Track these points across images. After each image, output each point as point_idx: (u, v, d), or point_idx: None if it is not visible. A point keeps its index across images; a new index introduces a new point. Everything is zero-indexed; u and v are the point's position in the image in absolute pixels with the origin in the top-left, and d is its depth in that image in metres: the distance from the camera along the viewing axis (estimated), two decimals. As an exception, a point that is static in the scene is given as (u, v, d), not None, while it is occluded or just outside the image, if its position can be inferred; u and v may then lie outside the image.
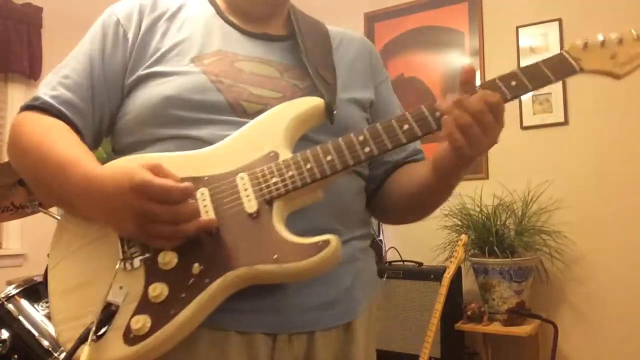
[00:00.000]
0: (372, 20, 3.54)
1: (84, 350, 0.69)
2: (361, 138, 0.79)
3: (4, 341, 1.91)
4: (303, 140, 0.84)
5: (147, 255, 0.75)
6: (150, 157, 0.82)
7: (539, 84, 0.81)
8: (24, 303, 2.03)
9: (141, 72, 0.88)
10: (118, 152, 0.91)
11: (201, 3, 0.99)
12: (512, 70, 0.82)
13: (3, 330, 1.94)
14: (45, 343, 1.93)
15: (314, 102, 0.85)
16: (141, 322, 0.71)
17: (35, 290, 2.08)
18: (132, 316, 0.72)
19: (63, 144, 0.81)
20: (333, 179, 0.80)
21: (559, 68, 0.82)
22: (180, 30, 0.92)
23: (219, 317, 0.75)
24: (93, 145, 0.91)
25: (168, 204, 0.71)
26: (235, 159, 0.80)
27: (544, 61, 0.82)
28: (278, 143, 0.80)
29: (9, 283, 2.11)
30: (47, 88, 0.89)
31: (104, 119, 0.91)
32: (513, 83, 0.81)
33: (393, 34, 3.45)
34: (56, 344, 1.92)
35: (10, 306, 1.99)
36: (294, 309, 0.81)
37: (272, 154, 0.80)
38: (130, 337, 0.71)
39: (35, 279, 2.13)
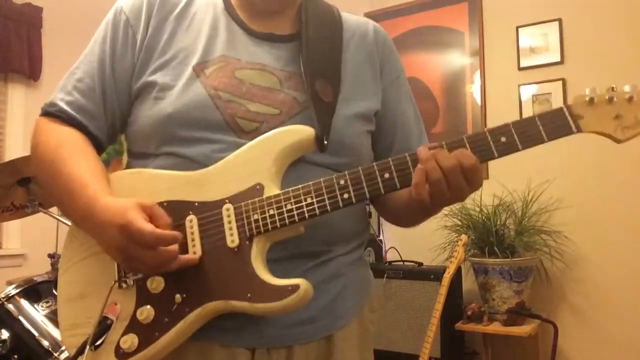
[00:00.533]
0: (372, 20, 3.54)
1: None
2: (342, 182, 0.80)
3: (4, 341, 1.91)
4: (298, 160, 0.86)
5: (139, 275, 0.82)
6: (149, 173, 0.87)
7: (530, 143, 0.77)
8: (24, 303, 2.03)
9: (146, 78, 0.90)
10: (131, 155, 0.95)
11: None
12: (506, 124, 0.78)
13: (3, 330, 1.94)
14: (45, 343, 1.93)
15: (305, 133, 0.84)
16: (129, 342, 0.79)
17: (35, 290, 2.08)
18: (123, 334, 0.80)
19: (74, 162, 0.86)
20: (312, 220, 0.81)
21: (555, 127, 0.77)
22: (187, 31, 0.93)
23: (204, 330, 0.81)
24: (108, 143, 0.97)
25: (147, 248, 0.76)
26: (224, 188, 0.83)
27: (541, 116, 0.78)
28: (265, 175, 0.82)
29: (9, 283, 2.11)
30: (63, 92, 0.92)
31: (115, 119, 0.94)
32: (503, 139, 0.78)
33: (393, 34, 3.45)
34: (56, 344, 1.92)
35: (10, 306, 1.99)
36: (272, 326, 0.84)
37: (258, 187, 0.82)
38: (120, 353, 0.80)
39: (35, 279, 2.13)
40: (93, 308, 0.83)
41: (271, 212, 0.80)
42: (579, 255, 2.82)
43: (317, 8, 1.00)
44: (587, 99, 0.77)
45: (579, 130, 0.76)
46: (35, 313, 2.01)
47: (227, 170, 0.84)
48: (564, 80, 2.90)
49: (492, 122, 3.09)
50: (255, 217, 0.80)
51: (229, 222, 0.81)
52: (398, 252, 3.17)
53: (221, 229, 0.81)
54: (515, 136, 0.77)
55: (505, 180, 2.94)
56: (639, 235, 2.70)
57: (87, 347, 0.78)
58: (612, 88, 0.77)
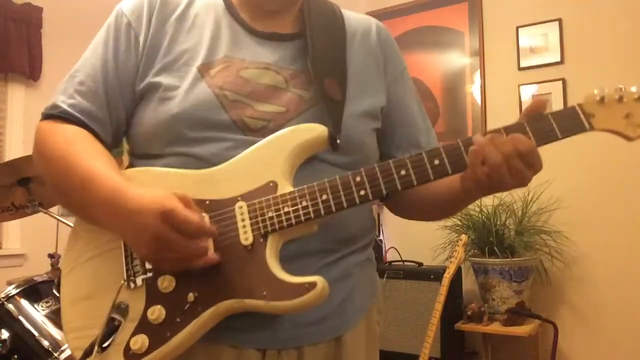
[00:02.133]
0: (372, 20, 3.54)
1: None
2: (358, 179, 0.80)
3: (4, 341, 1.91)
4: (308, 158, 0.85)
5: (148, 275, 0.80)
6: (157, 172, 0.85)
7: (544, 141, 0.78)
8: (24, 303, 2.02)
9: (150, 79, 0.89)
10: (135, 157, 0.93)
11: None
12: (520, 122, 0.79)
13: (3, 330, 1.94)
14: (45, 343, 1.93)
15: (317, 131, 0.84)
16: (139, 342, 0.77)
17: (35, 290, 2.08)
18: (132, 335, 0.78)
19: (89, 157, 0.84)
20: (328, 217, 0.81)
21: (568, 125, 0.78)
22: (189, 32, 0.92)
23: (213, 332, 0.80)
24: (113, 147, 0.94)
25: (186, 237, 0.74)
26: (236, 186, 0.82)
27: (554, 114, 0.79)
28: (278, 172, 0.82)
29: (9, 283, 2.11)
30: (65, 96, 0.89)
31: (120, 122, 0.92)
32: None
33: (393, 34, 3.43)
34: (56, 344, 1.92)
35: (10, 306, 1.99)
36: (283, 326, 0.83)
37: (271, 184, 0.81)
38: (130, 354, 0.77)
39: (35, 279, 2.13)
40: (100, 309, 0.80)
41: (286, 209, 0.79)
42: (579, 255, 2.82)
43: (319, 6, 0.99)
44: (598, 98, 0.78)
45: (592, 128, 0.78)
46: (35, 313, 2.00)
47: (239, 168, 0.83)
48: (564, 80, 2.90)
49: (492, 122, 3.09)
50: (270, 214, 0.79)
51: (243, 220, 0.80)
52: (398, 252, 3.17)
53: (234, 226, 0.80)
54: (531, 134, 0.77)
55: (505, 180, 2.93)
56: (639, 235, 2.70)
57: (95, 348, 0.76)
58: (621, 88, 0.78)
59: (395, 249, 3.19)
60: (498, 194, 2.87)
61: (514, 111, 2.99)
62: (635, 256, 2.70)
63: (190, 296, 0.78)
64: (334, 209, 0.79)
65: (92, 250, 0.85)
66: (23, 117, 3.17)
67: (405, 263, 3.05)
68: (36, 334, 1.94)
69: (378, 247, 3.15)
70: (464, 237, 2.47)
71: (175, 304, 0.78)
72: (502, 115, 3.01)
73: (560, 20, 2.95)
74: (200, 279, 0.78)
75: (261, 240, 0.79)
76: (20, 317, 1.98)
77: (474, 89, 3.20)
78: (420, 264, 2.94)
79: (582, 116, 0.78)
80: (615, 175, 2.76)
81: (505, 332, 2.60)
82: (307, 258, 0.80)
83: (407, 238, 3.17)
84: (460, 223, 2.86)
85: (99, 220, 0.83)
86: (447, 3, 3.30)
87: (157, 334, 0.77)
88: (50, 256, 2.46)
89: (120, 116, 0.91)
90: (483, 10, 3.19)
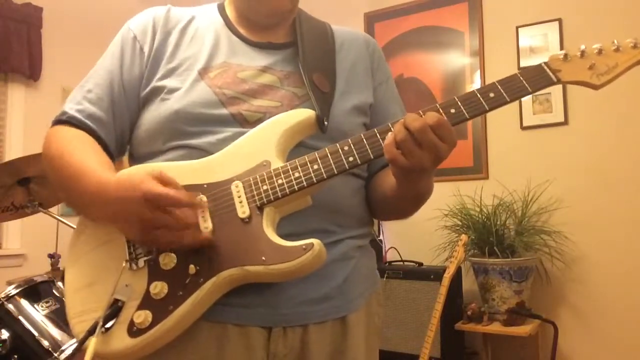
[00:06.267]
0: (372, 20, 3.54)
1: (91, 341, 0.78)
2: (346, 148, 0.85)
3: (4, 341, 1.91)
4: (300, 146, 0.90)
5: (150, 256, 0.83)
6: (155, 165, 0.88)
7: (516, 95, 0.84)
8: (24, 303, 2.02)
9: (154, 83, 0.95)
10: (135, 159, 0.98)
11: (211, 13, 1.05)
12: (491, 82, 0.85)
13: (3, 330, 1.94)
14: (45, 343, 1.93)
15: (306, 114, 0.90)
16: (142, 316, 0.79)
17: (35, 290, 2.08)
18: (136, 311, 0.80)
19: (82, 153, 0.89)
20: (320, 186, 0.85)
21: (536, 79, 0.84)
22: (191, 42, 0.99)
23: (218, 310, 0.83)
24: (118, 154, 0.99)
25: (169, 212, 0.77)
26: (232, 168, 0.86)
27: (522, 72, 0.85)
28: (270, 153, 0.87)
29: (9, 283, 2.11)
30: (73, 103, 0.96)
31: (125, 128, 0.98)
32: (491, 95, 0.84)
33: (393, 34, 3.45)
34: (56, 344, 1.92)
35: (10, 306, 1.99)
36: (287, 304, 0.86)
37: (264, 163, 0.86)
38: (134, 330, 0.80)
39: (35, 279, 2.13)
40: (103, 293, 0.83)
41: (280, 181, 0.83)
42: (579, 255, 2.82)
43: (310, 20, 1.08)
44: (562, 56, 0.86)
45: (559, 80, 0.84)
46: (35, 313, 2.00)
47: (234, 154, 0.88)
48: (564, 80, 2.91)
49: (492, 121, 3.09)
50: (265, 187, 0.83)
51: (239, 196, 0.84)
52: (398, 252, 3.17)
53: (231, 202, 0.83)
54: (502, 90, 0.84)
55: (505, 180, 2.94)
56: (639, 235, 2.71)
57: (98, 327, 0.78)
58: (581, 47, 0.86)
59: (395, 249, 3.19)
60: (498, 194, 2.89)
61: (514, 111, 2.99)
62: (635, 256, 2.70)
63: (192, 268, 0.80)
64: (325, 175, 0.83)
65: (95, 241, 0.89)
66: (23, 117, 3.18)
67: (405, 263, 3.05)
68: (36, 334, 1.94)
69: (378, 247, 3.15)
70: (464, 237, 2.48)
71: (176, 278, 0.81)
72: (502, 115, 3.00)
73: (560, 20, 2.95)
74: (201, 253, 0.81)
75: (257, 212, 0.83)
76: (20, 317, 1.98)
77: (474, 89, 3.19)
78: (420, 264, 2.95)
79: (548, 71, 0.85)
80: (615, 175, 2.76)
81: (505, 332, 2.60)
82: (307, 236, 0.82)
83: (407, 238, 3.17)
84: (460, 223, 2.87)
85: (91, 213, 0.88)
86: (447, 3, 3.30)
87: (160, 308, 0.80)
88: (50, 256, 2.46)
89: (125, 122, 0.97)
90: (483, 10, 3.19)
